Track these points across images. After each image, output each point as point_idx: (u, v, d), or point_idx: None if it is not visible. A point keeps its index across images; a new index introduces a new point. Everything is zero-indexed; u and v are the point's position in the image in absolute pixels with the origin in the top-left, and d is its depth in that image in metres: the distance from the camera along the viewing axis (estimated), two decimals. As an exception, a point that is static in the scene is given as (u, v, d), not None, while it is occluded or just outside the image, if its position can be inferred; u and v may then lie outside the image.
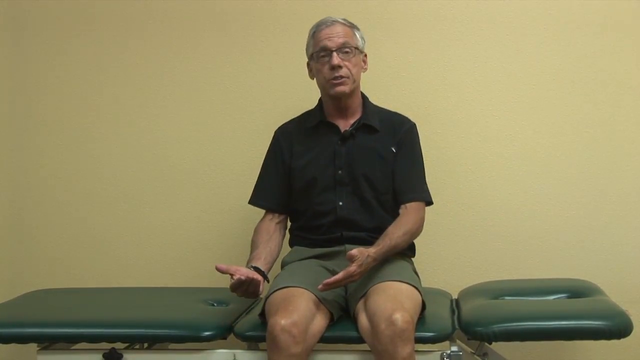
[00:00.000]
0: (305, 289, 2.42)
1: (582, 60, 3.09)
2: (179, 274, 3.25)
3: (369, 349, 2.36)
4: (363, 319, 2.37)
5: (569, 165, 3.10)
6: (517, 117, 3.12)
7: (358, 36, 2.67)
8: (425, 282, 2.71)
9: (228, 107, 3.22)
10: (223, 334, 2.51)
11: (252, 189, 2.81)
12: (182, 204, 3.25)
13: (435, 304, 2.62)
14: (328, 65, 2.61)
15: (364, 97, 2.75)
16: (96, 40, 3.26)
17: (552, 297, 2.72)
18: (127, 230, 3.27)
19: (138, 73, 3.25)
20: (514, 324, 2.43)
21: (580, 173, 3.10)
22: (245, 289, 2.44)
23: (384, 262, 2.53)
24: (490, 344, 2.52)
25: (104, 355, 2.52)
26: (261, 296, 2.52)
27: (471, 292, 2.83)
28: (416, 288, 2.47)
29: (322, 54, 2.62)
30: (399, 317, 2.26)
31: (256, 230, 2.72)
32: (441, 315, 2.55)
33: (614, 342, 2.48)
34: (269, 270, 2.59)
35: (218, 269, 2.40)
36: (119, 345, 2.54)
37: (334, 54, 2.60)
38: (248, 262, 2.58)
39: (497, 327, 2.41)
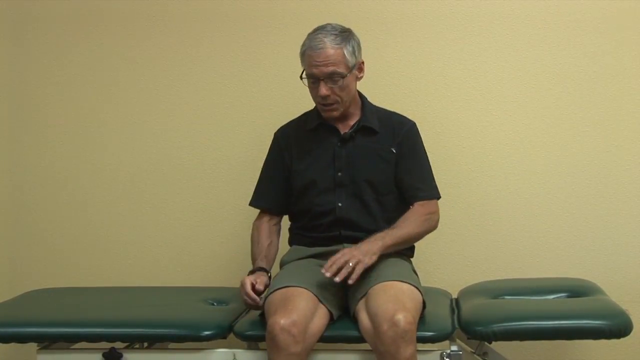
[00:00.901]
0: (305, 288, 2.43)
1: (582, 59, 3.09)
2: (179, 274, 3.25)
3: (370, 348, 2.36)
4: (364, 319, 2.37)
5: (569, 165, 3.10)
6: (517, 117, 3.12)
7: (348, 54, 2.57)
8: (425, 282, 2.71)
9: (228, 107, 3.22)
10: (223, 333, 2.51)
11: (251, 189, 2.81)
12: (182, 204, 3.25)
13: (435, 303, 2.62)
14: (317, 91, 2.59)
15: (362, 98, 2.74)
16: (96, 40, 3.26)
17: (552, 297, 2.72)
18: (127, 230, 3.27)
19: (138, 73, 3.25)
20: (514, 323, 2.43)
21: (581, 172, 3.10)
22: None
23: (383, 262, 2.53)
24: (490, 343, 2.52)
25: (103, 355, 2.51)
26: (262, 296, 2.52)
27: (471, 292, 2.83)
28: (417, 287, 2.47)
29: (311, 79, 2.59)
30: (401, 317, 2.26)
31: (257, 229, 2.74)
32: (441, 315, 2.55)
33: (614, 342, 2.49)
34: (271, 268, 2.65)
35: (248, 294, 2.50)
36: (118, 345, 2.54)
37: (322, 83, 2.56)
38: (254, 261, 2.64)
39: (497, 327, 2.41)
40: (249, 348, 2.55)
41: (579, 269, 3.05)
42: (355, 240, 2.56)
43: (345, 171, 2.66)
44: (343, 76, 2.57)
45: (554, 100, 3.11)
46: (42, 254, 3.31)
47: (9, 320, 2.60)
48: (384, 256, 2.54)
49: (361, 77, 2.68)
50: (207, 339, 2.47)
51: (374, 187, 2.65)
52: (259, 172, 2.82)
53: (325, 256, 2.60)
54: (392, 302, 2.32)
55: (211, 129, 3.23)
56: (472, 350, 2.63)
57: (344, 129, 2.69)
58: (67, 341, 2.57)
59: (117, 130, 3.27)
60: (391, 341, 2.25)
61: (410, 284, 2.46)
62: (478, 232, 3.14)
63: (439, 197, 2.72)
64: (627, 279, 3.09)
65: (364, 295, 2.43)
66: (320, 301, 2.43)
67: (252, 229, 2.75)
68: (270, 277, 2.59)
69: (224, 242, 3.23)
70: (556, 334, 2.45)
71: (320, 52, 2.55)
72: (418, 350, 2.35)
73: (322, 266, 2.53)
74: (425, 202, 2.66)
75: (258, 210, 2.80)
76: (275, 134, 2.81)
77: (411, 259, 2.73)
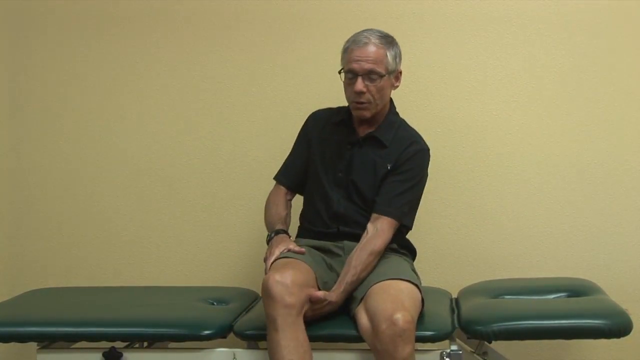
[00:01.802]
0: (306, 263, 2.47)
1: (583, 59, 3.09)
2: (179, 274, 3.25)
3: (369, 347, 2.36)
4: (363, 319, 2.37)
5: (569, 165, 3.10)
6: (517, 117, 3.12)
7: (390, 57, 2.59)
8: (425, 281, 2.71)
9: (228, 107, 3.22)
10: (223, 333, 2.52)
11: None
12: (182, 204, 3.25)
13: (435, 303, 2.62)
14: (353, 87, 2.59)
15: (391, 108, 2.72)
16: (95, 40, 3.26)
17: (551, 296, 2.72)
18: (127, 229, 3.27)
19: (138, 73, 3.25)
20: (514, 323, 2.44)
21: (581, 172, 3.10)
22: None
23: (382, 262, 2.55)
24: (490, 342, 2.52)
25: (103, 354, 2.52)
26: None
27: (471, 291, 2.84)
28: (416, 285, 2.48)
29: (349, 75, 2.60)
30: (399, 317, 2.26)
31: (275, 200, 2.76)
32: (441, 314, 2.55)
33: (613, 341, 2.49)
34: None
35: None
36: (119, 344, 2.54)
37: (359, 79, 2.57)
38: (273, 224, 2.67)
39: (496, 326, 2.42)
40: (249, 347, 2.55)
41: (579, 269, 3.05)
42: (354, 238, 2.58)
43: (344, 174, 2.67)
44: (381, 76, 2.57)
45: (554, 100, 3.11)
46: (42, 254, 3.31)
47: (9, 319, 2.60)
48: (383, 256, 2.57)
49: (397, 86, 2.68)
50: (207, 338, 2.47)
51: (360, 193, 2.64)
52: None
53: (327, 252, 2.63)
54: (391, 301, 2.33)
55: (213, 130, 3.23)
56: (472, 350, 2.63)
57: (362, 132, 2.69)
58: (67, 341, 2.57)
59: (117, 130, 3.27)
60: (389, 340, 2.26)
61: (409, 282, 2.46)
62: (478, 232, 3.14)
63: (405, 224, 2.64)
64: (627, 279, 3.09)
65: (363, 296, 2.44)
66: (318, 284, 2.47)
67: (269, 199, 2.78)
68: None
69: (225, 242, 3.23)
70: (556, 334, 2.45)
71: (364, 48, 2.57)
72: (418, 350, 2.35)
73: (325, 259, 2.58)
74: (385, 219, 2.57)
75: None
76: (309, 115, 2.82)
77: (410, 259, 2.73)
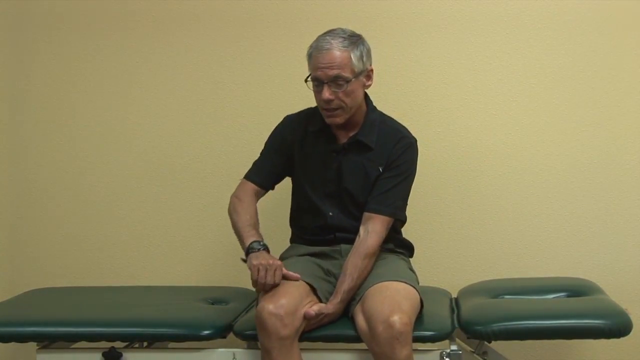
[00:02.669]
0: (305, 282, 2.44)
1: (583, 59, 3.09)
2: (179, 274, 3.25)
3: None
4: (361, 321, 2.37)
5: (569, 165, 3.10)
6: (517, 117, 3.12)
7: (355, 58, 2.50)
8: (425, 281, 2.71)
9: (228, 107, 3.22)
10: (222, 333, 2.51)
11: None
12: (181, 204, 3.25)
13: (434, 302, 2.62)
14: (320, 95, 2.51)
15: (369, 108, 2.64)
16: (95, 40, 3.26)
17: (551, 296, 2.72)
18: (127, 229, 3.27)
19: (137, 73, 3.25)
20: (514, 322, 2.43)
21: (580, 172, 3.10)
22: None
23: (379, 262, 2.55)
24: (489, 342, 2.53)
25: (103, 354, 2.51)
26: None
27: (471, 291, 2.83)
28: (413, 286, 2.47)
29: (315, 82, 2.53)
30: (396, 319, 2.26)
31: (242, 204, 2.64)
32: (441, 314, 2.55)
33: (613, 341, 2.49)
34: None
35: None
36: (118, 344, 2.54)
37: (325, 86, 2.48)
38: (247, 235, 2.55)
39: (496, 326, 2.42)
40: (249, 347, 2.54)
41: (579, 269, 3.05)
42: (351, 241, 2.56)
43: (335, 183, 2.62)
44: (347, 80, 2.48)
45: (554, 100, 3.10)
46: (42, 254, 3.31)
47: (9, 319, 2.60)
48: (380, 257, 2.56)
49: (369, 85, 2.59)
50: (207, 338, 2.47)
51: (354, 200, 2.61)
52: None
53: (323, 256, 2.61)
54: (388, 303, 2.32)
55: (211, 129, 3.23)
56: (472, 350, 2.63)
57: (343, 138, 2.62)
58: (67, 340, 2.57)
59: (117, 131, 3.27)
60: (386, 343, 2.25)
61: (407, 283, 2.45)
62: (478, 232, 3.14)
63: (395, 217, 2.60)
64: (627, 279, 3.09)
65: (361, 297, 2.43)
66: (314, 291, 2.44)
67: (235, 200, 2.66)
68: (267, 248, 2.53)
69: (224, 241, 3.22)
70: (556, 334, 2.45)
71: (326, 54, 2.48)
72: (418, 350, 2.35)
73: (319, 265, 2.54)
74: (378, 217, 2.55)
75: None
76: (285, 118, 2.74)
77: (410, 259, 2.73)
